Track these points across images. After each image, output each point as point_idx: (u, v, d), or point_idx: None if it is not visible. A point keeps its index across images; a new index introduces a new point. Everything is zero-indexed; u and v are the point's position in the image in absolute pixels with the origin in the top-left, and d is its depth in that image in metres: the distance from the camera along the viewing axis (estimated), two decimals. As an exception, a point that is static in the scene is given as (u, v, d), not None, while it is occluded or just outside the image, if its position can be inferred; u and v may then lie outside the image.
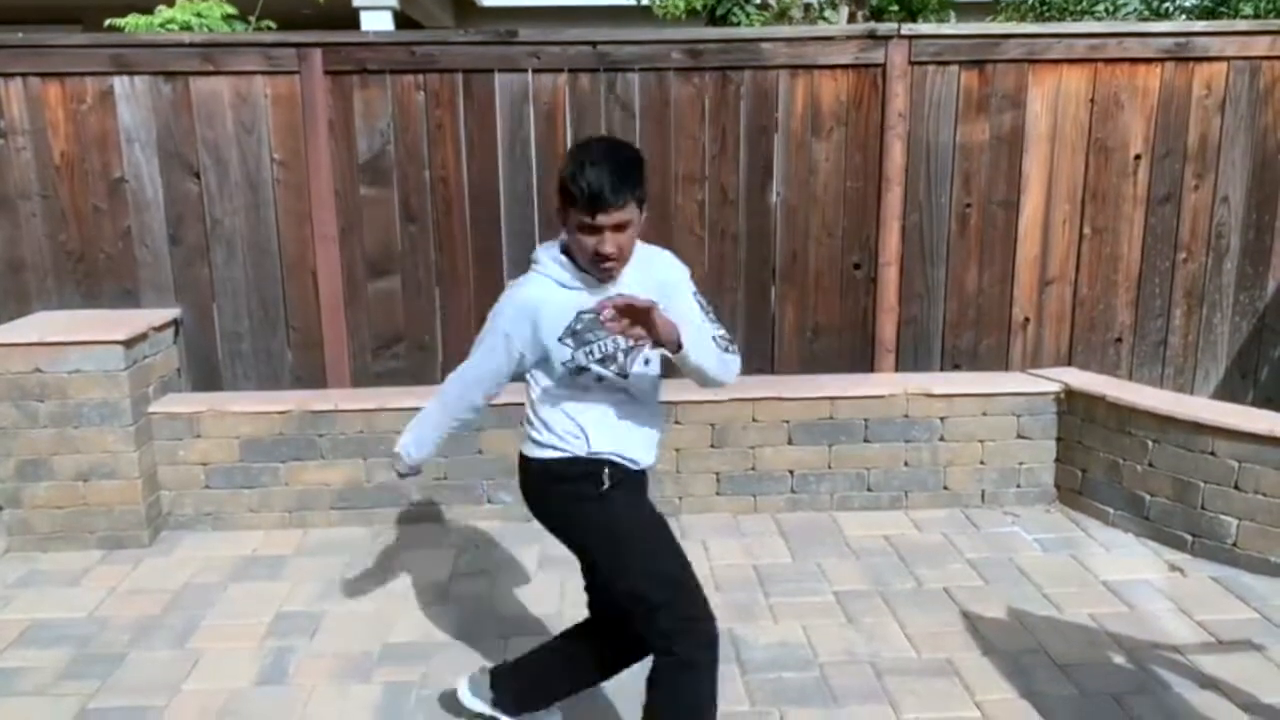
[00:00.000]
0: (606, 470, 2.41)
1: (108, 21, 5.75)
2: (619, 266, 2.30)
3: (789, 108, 4.41)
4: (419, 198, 4.42)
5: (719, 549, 4.00)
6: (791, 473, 4.33)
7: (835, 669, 3.13)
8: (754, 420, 4.27)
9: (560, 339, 2.32)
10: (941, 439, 4.33)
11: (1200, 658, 3.16)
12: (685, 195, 4.44)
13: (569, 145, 4.37)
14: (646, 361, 2.43)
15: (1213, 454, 3.78)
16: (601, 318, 2.15)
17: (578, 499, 2.43)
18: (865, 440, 4.32)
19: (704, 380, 2.40)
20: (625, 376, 2.38)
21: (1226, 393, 4.68)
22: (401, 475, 2.74)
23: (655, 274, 2.41)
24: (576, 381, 2.37)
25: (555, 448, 2.41)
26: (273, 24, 6.02)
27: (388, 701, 2.99)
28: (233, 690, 3.06)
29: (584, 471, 2.41)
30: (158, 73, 4.26)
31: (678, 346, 2.24)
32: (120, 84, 4.25)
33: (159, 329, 4.24)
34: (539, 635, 3.33)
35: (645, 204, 2.29)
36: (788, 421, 4.28)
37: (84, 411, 3.94)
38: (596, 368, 2.34)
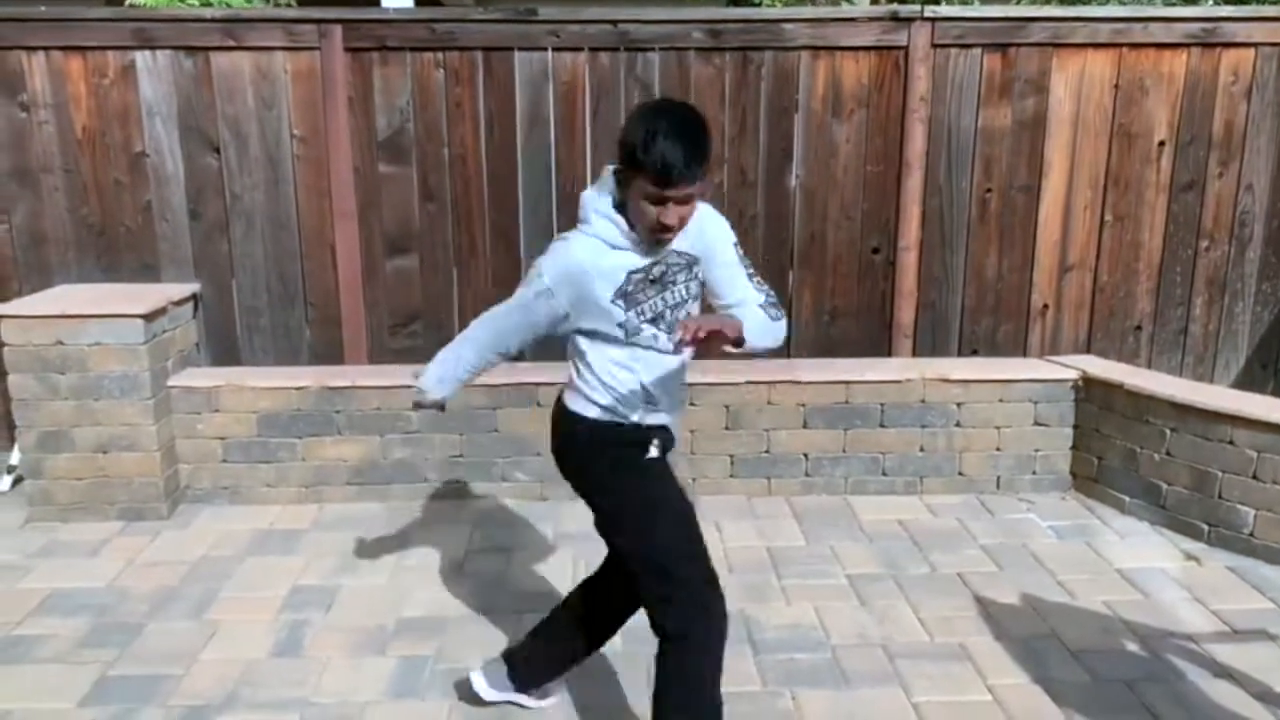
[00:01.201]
0: (656, 439, 2.42)
1: (130, -4, 5.76)
2: (675, 237, 2.28)
3: (810, 89, 4.39)
4: (438, 176, 4.42)
5: (733, 531, 4.00)
6: (806, 456, 4.33)
7: (847, 651, 3.13)
8: (769, 403, 4.27)
9: (612, 300, 2.29)
10: (958, 425, 4.32)
11: (1214, 647, 3.15)
12: (704, 176, 4.42)
13: (588, 125, 4.37)
14: (688, 316, 2.38)
15: (1231, 443, 3.76)
16: (679, 336, 2.12)
17: (625, 465, 2.42)
18: (881, 425, 4.31)
19: (755, 353, 2.40)
20: (671, 332, 2.34)
21: (1247, 383, 4.64)
22: (419, 406, 2.66)
23: (700, 232, 2.38)
24: (632, 343, 2.34)
25: (611, 410, 2.38)
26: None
27: (402, 675, 3.02)
28: (249, 661, 3.09)
29: (634, 439, 2.41)
30: (179, 47, 4.27)
31: (740, 341, 2.22)
32: (142, 58, 4.27)
33: (178, 303, 4.26)
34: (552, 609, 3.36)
35: (708, 173, 2.26)
36: (803, 405, 4.28)
37: (104, 384, 3.97)
38: (649, 327, 2.33)
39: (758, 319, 2.35)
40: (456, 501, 4.28)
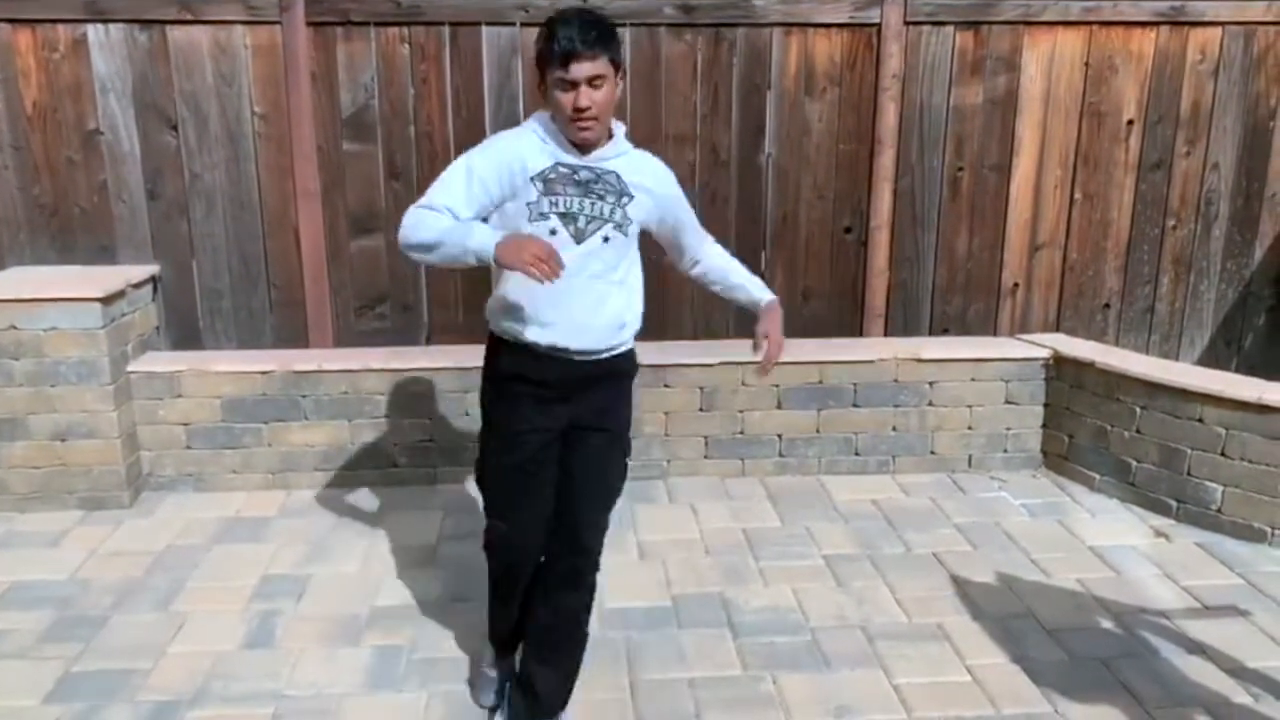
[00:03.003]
0: (537, 375, 2.49)
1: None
2: (598, 127, 2.37)
3: (782, 67, 4.35)
4: (404, 154, 4.32)
5: (707, 512, 3.99)
6: (780, 436, 4.32)
7: (826, 633, 3.13)
8: (743, 384, 4.25)
9: (531, 178, 2.38)
10: (930, 404, 4.33)
11: (1187, 623, 3.19)
12: (676, 155, 4.35)
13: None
14: (606, 239, 2.42)
15: (1200, 421, 3.80)
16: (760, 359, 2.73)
17: (501, 397, 2.58)
18: (854, 405, 4.31)
19: (713, 279, 2.82)
20: (579, 242, 2.39)
21: (1211, 360, 4.70)
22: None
23: (647, 179, 2.50)
24: (527, 224, 2.38)
25: (507, 317, 2.50)
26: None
27: (377, 665, 2.97)
28: (219, 653, 3.02)
29: (515, 370, 2.53)
30: (133, 20, 4.11)
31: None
32: (94, 31, 4.11)
33: (137, 286, 4.14)
34: (529, 599, 3.32)
35: (622, 71, 2.40)
36: (777, 385, 4.26)
37: (61, 370, 3.85)
38: (556, 220, 2.38)
39: (727, 257, 2.79)
40: (427, 487, 4.22)
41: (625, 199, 2.44)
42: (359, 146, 4.29)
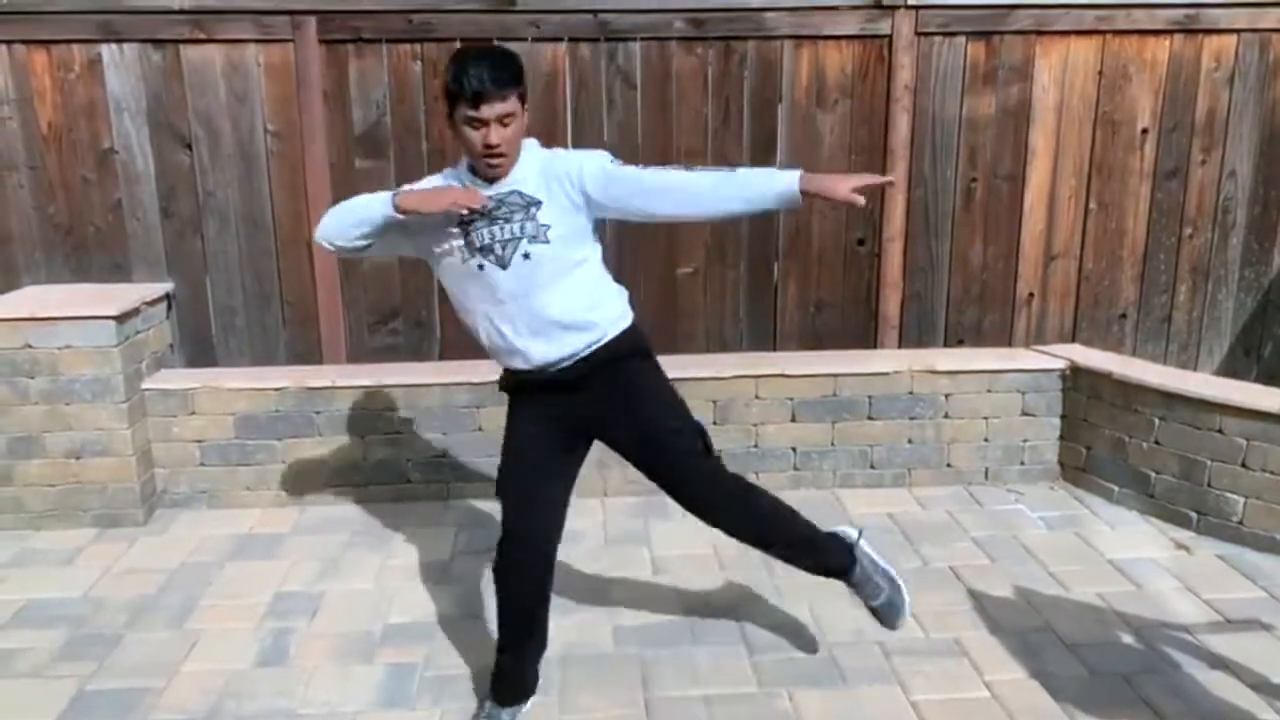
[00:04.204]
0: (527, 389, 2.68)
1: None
2: (506, 162, 2.46)
3: (793, 79, 4.34)
4: (416, 170, 4.30)
5: (722, 527, 3.96)
6: (794, 449, 4.29)
7: (843, 649, 3.10)
8: (757, 397, 4.22)
9: (448, 226, 2.50)
10: (945, 416, 4.29)
11: (1209, 637, 3.14)
12: (687, 168, 4.36)
13: (568, 116, 4.30)
14: (526, 256, 2.48)
15: (1220, 431, 3.75)
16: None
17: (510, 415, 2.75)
18: (869, 417, 4.28)
19: (715, 204, 2.56)
20: (504, 268, 2.49)
21: (1230, 370, 4.65)
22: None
23: (554, 175, 2.51)
24: (464, 270, 2.53)
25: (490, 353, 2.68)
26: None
27: (391, 682, 2.95)
28: (233, 671, 3.01)
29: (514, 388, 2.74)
30: (147, 40, 4.15)
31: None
32: (108, 52, 4.15)
33: (151, 303, 4.16)
34: (543, 615, 3.30)
35: (527, 102, 2.47)
36: (791, 398, 4.24)
37: (76, 388, 3.86)
38: (478, 257, 2.49)
39: (716, 174, 2.53)
40: (440, 503, 4.21)
41: (533, 209, 2.48)
42: (371, 163, 4.31)
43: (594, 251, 2.62)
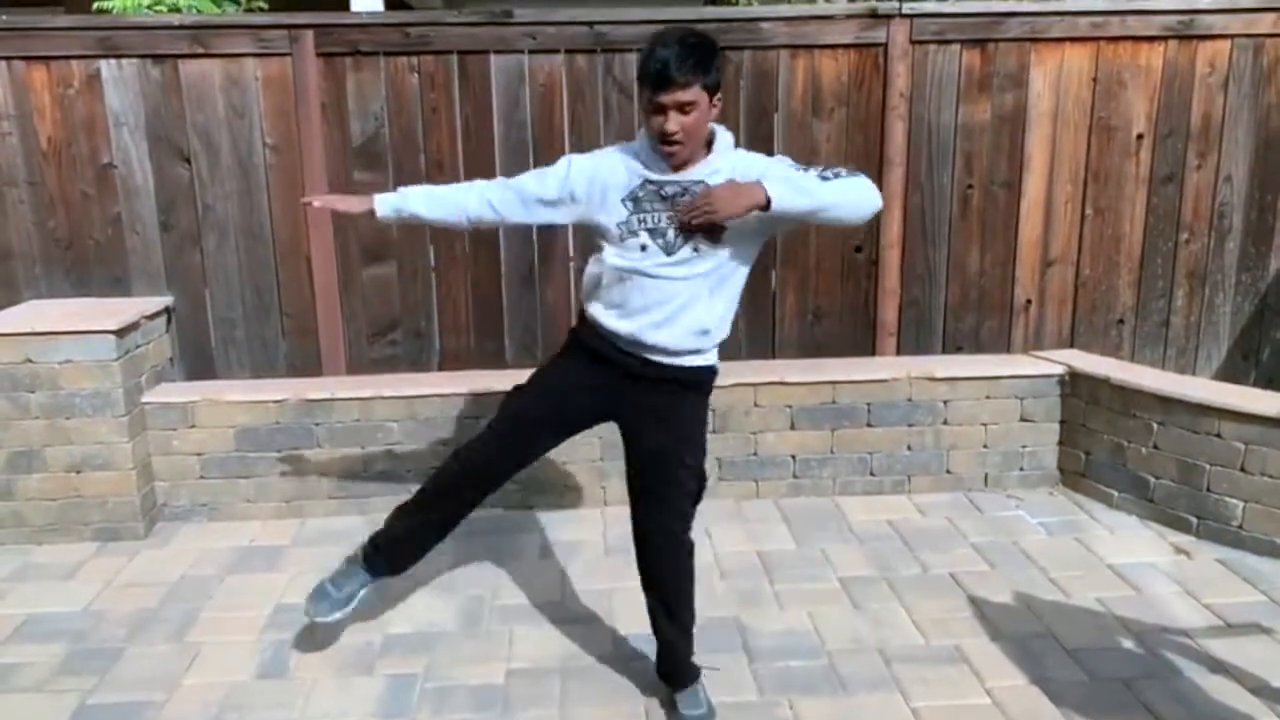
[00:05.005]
0: (612, 353, 2.67)
1: (96, 4, 5.63)
2: (684, 150, 2.42)
3: (789, 88, 4.35)
4: (414, 182, 4.30)
5: (722, 535, 3.96)
6: (794, 457, 4.30)
7: (843, 657, 3.10)
8: (756, 405, 4.23)
9: (622, 199, 2.50)
10: (944, 422, 4.30)
11: (1209, 641, 3.14)
12: (684, 178, 4.38)
13: (565, 127, 4.32)
14: (696, 249, 2.48)
15: (1219, 436, 3.76)
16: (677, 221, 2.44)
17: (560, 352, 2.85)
18: (868, 424, 4.28)
19: (845, 216, 2.49)
20: (669, 254, 2.48)
21: (1228, 374, 4.65)
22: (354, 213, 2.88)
23: (734, 171, 2.47)
24: (624, 249, 2.52)
25: (595, 318, 2.67)
26: (264, 4, 5.92)
27: (391, 694, 2.95)
28: (233, 684, 3.02)
29: (595, 347, 2.71)
30: (145, 55, 4.17)
31: (766, 204, 2.35)
32: (107, 67, 4.17)
33: (151, 317, 4.17)
34: (542, 623, 3.31)
35: (718, 94, 2.42)
36: (790, 406, 4.24)
37: (76, 402, 3.87)
38: (645, 236, 2.48)
39: (806, 182, 2.42)
40: (441, 513, 4.20)
41: None
42: (370, 175, 4.32)
43: (745, 275, 2.63)
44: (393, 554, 3.02)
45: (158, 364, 4.25)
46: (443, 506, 2.94)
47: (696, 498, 2.77)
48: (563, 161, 2.62)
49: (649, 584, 2.79)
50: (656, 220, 2.48)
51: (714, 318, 2.60)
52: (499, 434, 2.82)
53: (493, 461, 2.85)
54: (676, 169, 2.48)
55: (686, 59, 2.31)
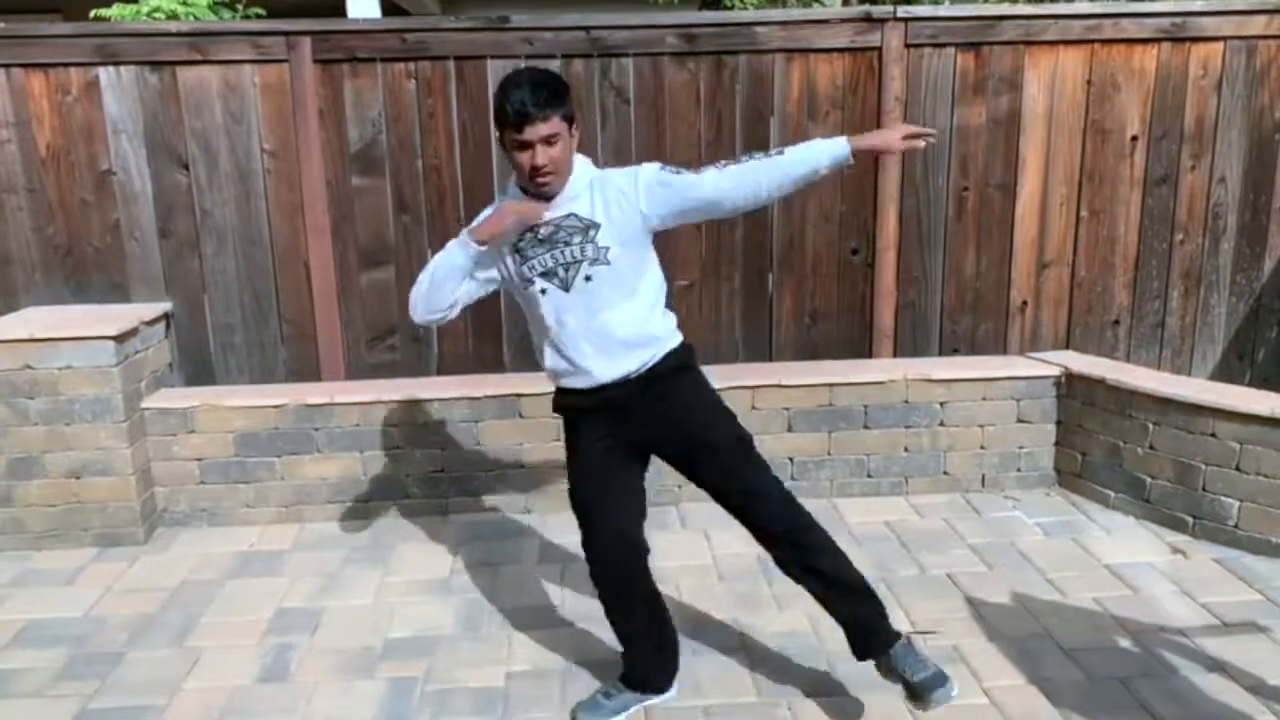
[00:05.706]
0: (588, 411, 2.70)
1: (94, 12, 5.65)
2: (557, 180, 2.49)
3: (785, 92, 4.37)
4: (412, 187, 4.36)
5: (720, 538, 3.97)
6: (791, 460, 4.31)
7: (843, 658, 3.08)
8: (753, 408, 4.24)
9: (510, 253, 2.61)
10: (941, 424, 4.32)
11: (1206, 640, 3.15)
12: (681, 182, 4.39)
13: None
14: (588, 278, 2.54)
15: (1214, 436, 3.77)
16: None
17: (570, 442, 2.81)
18: (865, 426, 4.30)
19: (742, 202, 2.55)
20: (567, 291, 2.56)
21: (1223, 374, 4.68)
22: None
23: (611, 197, 2.54)
24: (528, 295, 2.62)
25: (552, 374, 2.73)
26: (262, 11, 5.94)
27: (392, 697, 2.96)
28: (234, 688, 3.03)
29: (568, 408, 2.76)
30: (144, 62, 4.19)
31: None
32: (106, 74, 4.18)
33: (150, 323, 4.18)
34: (542, 628, 3.32)
35: (575, 124, 2.51)
36: (787, 409, 4.26)
37: (75, 408, 3.88)
38: (540, 281, 2.57)
39: (764, 162, 2.51)
40: (439, 518, 4.22)
41: (592, 231, 2.53)
42: (367, 181, 4.34)
43: (652, 268, 2.67)
44: (647, 669, 2.90)
45: (157, 370, 4.26)
46: (630, 599, 2.82)
47: (748, 456, 2.76)
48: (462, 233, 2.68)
49: (802, 575, 2.77)
50: (544, 263, 2.56)
51: (641, 315, 2.62)
52: (596, 510, 2.72)
53: (615, 527, 2.73)
54: (548, 201, 2.54)
55: (541, 92, 2.39)
